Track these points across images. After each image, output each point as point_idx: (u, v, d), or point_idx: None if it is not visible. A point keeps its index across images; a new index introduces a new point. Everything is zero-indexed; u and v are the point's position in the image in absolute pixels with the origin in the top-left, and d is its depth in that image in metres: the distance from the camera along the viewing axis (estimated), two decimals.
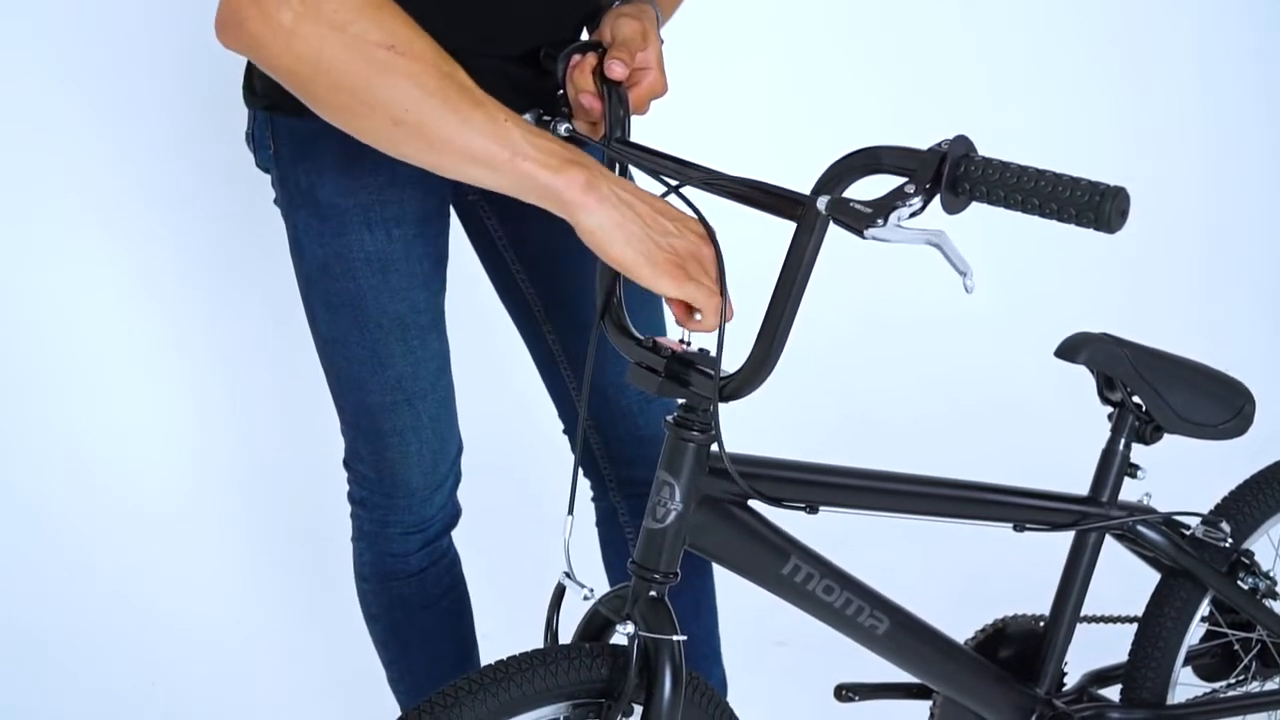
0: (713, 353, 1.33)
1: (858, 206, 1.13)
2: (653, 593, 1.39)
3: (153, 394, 3.12)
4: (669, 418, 1.38)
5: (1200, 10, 3.92)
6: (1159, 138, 3.88)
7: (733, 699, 1.62)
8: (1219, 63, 3.94)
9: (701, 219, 1.26)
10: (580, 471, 1.89)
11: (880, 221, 1.12)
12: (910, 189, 1.12)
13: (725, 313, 1.24)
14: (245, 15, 1.16)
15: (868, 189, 1.18)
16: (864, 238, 1.14)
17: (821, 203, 1.17)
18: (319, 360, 1.74)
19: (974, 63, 3.76)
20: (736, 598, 1.94)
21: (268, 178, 1.71)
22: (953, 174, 1.12)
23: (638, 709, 1.39)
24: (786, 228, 1.25)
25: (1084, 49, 3.85)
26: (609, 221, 1.19)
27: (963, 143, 1.12)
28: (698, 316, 1.28)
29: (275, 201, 1.69)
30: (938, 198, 1.13)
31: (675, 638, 1.37)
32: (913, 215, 1.13)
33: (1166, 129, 3.91)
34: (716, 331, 1.28)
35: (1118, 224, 1.05)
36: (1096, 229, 1.05)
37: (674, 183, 1.36)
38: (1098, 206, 1.05)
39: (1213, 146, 3.95)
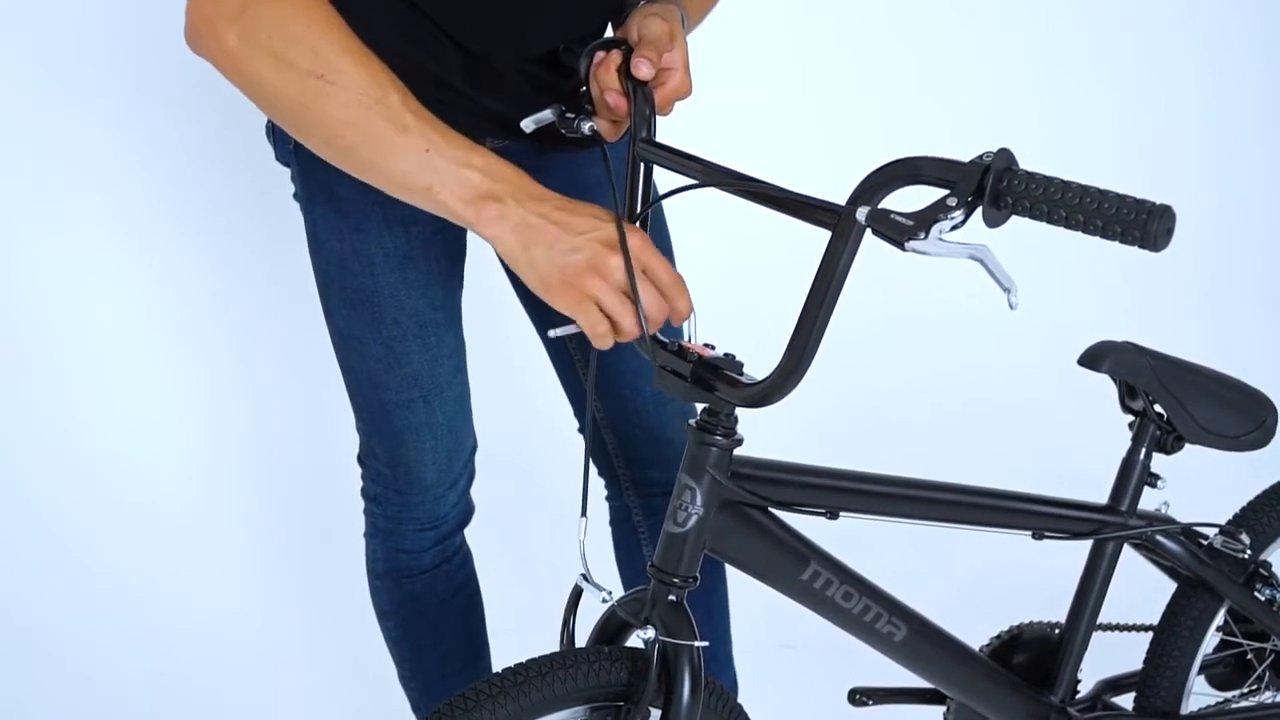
0: (738, 357, 1.32)
1: (898, 218, 1.11)
2: (672, 597, 1.39)
3: (163, 389, 3.10)
4: (692, 422, 1.37)
5: (1207, 14, 3.91)
6: (1169, 144, 3.86)
7: (741, 701, 1.62)
8: (1229, 67, 3.93)
9: (618, 224, 1.23)
10: (595, 471, 1.90)
11: (922, 234, 1.10)
12: (952, 201, 1.10)
13: (641, 317, 1.22)
14: (200, 32, 1.24)
15: (899, 200, 1.16)
16: (904, 250, 1.12)
17: (861, 213, 1.15)
18: (335, 356, 1.73)
19: (979, 69, 3.75)
20: (743, 600, 1.93)
21: (283, 171, 1.70)
22: (995, 187, 1.09)
23: (655, 712, 1.38)
24: (805, 230, 1.24)
25: (1093, 56, 3.84)
26: (516, 247, 1.22)
27: (1005, 155, 1.10)
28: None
29: (295, 196, 1.68)
30: (978, 211, 1.11)
31: (695, 643, 1.36)
32: (954, 228, 1.11)
33: (1177, 135, 3.89)
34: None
35: (1163, 243, 1.03)
36: (1141, 247, 1.03)
37: (692, 182, 1.34)
38: (1144, 225, 1.02)
39: (1225, 152, 3.93)
